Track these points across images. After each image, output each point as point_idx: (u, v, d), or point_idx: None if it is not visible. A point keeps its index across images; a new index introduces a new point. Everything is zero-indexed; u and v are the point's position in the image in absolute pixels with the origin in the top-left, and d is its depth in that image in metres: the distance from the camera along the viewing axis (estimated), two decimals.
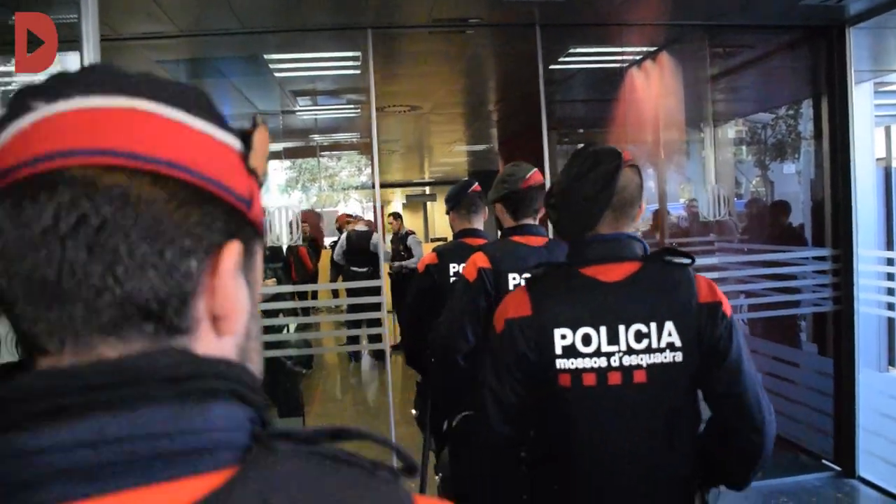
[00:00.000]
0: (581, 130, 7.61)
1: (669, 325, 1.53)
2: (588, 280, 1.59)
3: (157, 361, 0.46)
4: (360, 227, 8.48)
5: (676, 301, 1.56)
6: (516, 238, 2.55)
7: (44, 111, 0.46)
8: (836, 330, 4.45)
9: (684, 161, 6.09)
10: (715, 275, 4.43)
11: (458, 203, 3.03)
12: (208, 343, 0.51)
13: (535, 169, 2.63)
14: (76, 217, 0.45)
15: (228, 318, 0.51)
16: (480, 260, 2.46)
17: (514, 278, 2.42)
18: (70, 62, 4.64)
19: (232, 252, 0.50)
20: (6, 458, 0.42)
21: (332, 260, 9.03)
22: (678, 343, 1.53)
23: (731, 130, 6.37)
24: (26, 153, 0.46)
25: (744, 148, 7.04)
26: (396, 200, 20.48)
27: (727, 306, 1.59)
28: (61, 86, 0.48)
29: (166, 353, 0.47)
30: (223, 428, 0.47)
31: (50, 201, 0.45)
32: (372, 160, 4.41)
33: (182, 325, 0.49)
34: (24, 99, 0.47)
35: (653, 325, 1.53)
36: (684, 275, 1.59)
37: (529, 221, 2.60)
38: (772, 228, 5.36)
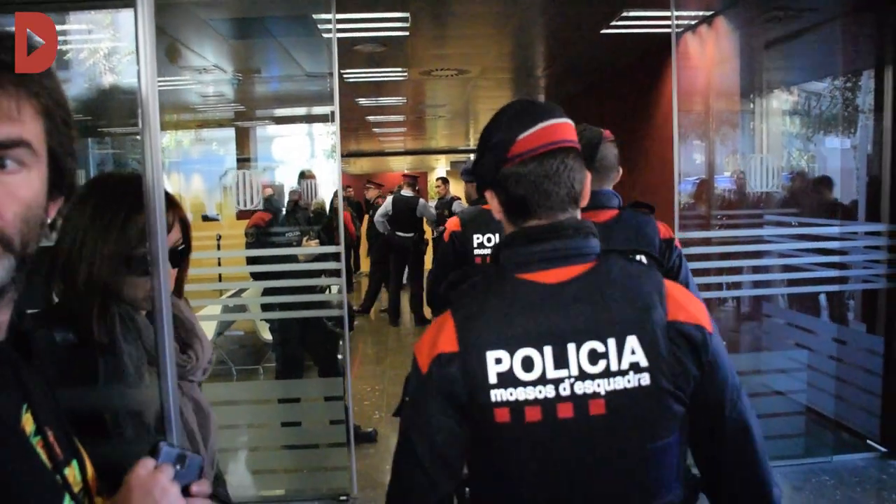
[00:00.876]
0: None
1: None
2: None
3: (576, 221, 1.25)
4: (406, 192, 8.48)
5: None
6: (484, 205, 3.01)
7: (543, 123, 1.24)
8: (888, 308, 4.33)
9: (733, 132, 5.94)
10: (761, 247, 4.34)
11: None
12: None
13: None
14: (566, 165, 1.23)
15: (586, 200, 1.28)
16: (454, 225, 3.01)
17: (477, 238, 2.91)
18: (124, 20, 4.71)
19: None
20: (524, 255, 1.23)
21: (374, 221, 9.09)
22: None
23: (783, 101, 6.17)
24: (545, 140, 1.23)
25: (797, 119, 6.82)
26: (440, 167, 20.43)
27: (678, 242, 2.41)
28: (544, 112, 1.26)
29: (575, 218, 1.26)
30: (594, 247, 1.24)
31: (556, 159, 1.23)
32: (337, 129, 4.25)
33: (579, 206, 1.27)
34: (542, 117, 1.26)
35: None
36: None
37: None
38: (814, 203, 5.20)
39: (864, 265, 4.37)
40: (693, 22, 4.99)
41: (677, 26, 4.69)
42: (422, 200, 8.54)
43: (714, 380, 1.22)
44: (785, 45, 5.35)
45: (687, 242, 4.05)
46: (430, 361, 1.21)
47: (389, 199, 8.61)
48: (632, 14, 4.73)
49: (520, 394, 1.17)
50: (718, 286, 4.38)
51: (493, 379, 1.17)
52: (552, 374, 1.17)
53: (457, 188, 10.67)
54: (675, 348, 1.18)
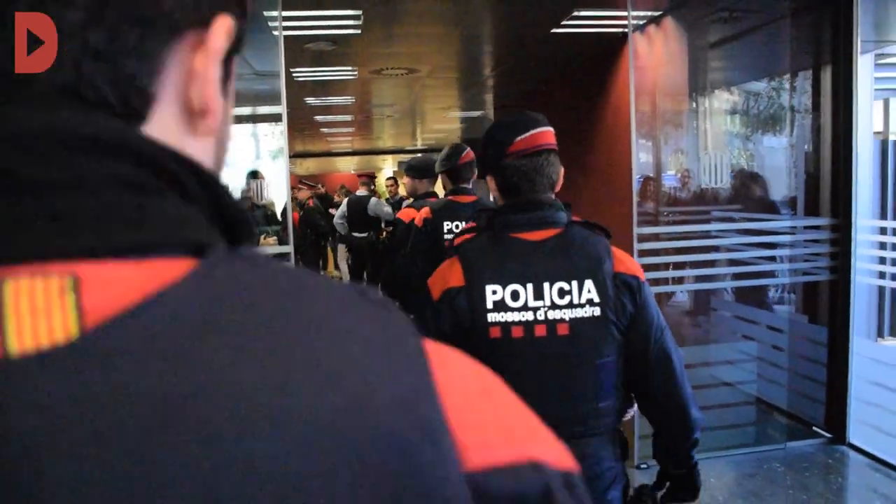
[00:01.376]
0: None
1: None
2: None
3: (551, 199, 1.73)
4: (361, 191, 8.47)
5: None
6: (452, 197, 3.55)
7: (534, 131, 1.69)
8: (831, 299, 4.48)
9: (677, 131, 6.07)
10: (707, 242, 4.45)
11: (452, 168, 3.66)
12: None
13: (468, 148, 3.62)
14: (548, 161, 1.70)
15: (559, 185, 1.81)
16: (425, 213, 3.47)
17: (447, 225, 3.36)
18: None
19: None
20: (514, 220, 1.68)
21: (305, 222, 9.21)
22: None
23: (724, 101, 6.33)
24: (534, 143, 1.69)
25: (737, 118, 7.01)
26: (387, 167, 20.34)
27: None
28: (534, 122, 1.70)
29: (550, 197, 1.74)
30: (563, 218, 1.72)
31: (541, 157, 1.69)
32: (285, 128, 4.24)
33: (554, 190, 1.77)
34: (533, 126, 1.71)
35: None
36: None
37: (464, 185, 3.62)
38: (743, 199, 5.34)
39: (804, 258, 4.53)
40: (642, 22, 5.08)
41: (627, 26, 4.77)
42: (374, 199, 8.51)
43: (644, 315, 1.67)
44: (727, 46, 5.50)
45: (641, 238, 4.13)
46: (441, 293, 1.68)
47: (345, 201, 8.64)
48: (583, 14, 4.79)
49: (509, 317, 1.63)
50: (667, 281, 4.48)
51: (489, 305, 1.63)
52: (532, 303, 1.63)
53: (401, 189, 10.64)
54: (618, 291, 1.64)
